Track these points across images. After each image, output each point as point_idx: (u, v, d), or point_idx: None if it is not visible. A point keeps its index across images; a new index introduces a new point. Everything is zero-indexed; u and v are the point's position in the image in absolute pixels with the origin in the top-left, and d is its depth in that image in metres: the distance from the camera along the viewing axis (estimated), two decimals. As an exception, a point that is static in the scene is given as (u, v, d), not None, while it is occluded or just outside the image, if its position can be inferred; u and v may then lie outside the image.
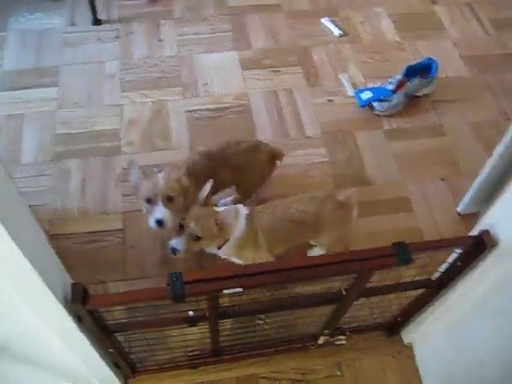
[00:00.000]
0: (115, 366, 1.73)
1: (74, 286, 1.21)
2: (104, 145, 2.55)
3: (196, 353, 1.83)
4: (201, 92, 2.78)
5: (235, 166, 2.03)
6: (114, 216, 2.31)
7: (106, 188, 2.40)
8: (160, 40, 3.00)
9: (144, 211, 1.88)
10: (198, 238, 1.68)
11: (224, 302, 1.50)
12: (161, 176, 1.79)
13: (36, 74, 2.81)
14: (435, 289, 1.60)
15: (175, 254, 1.69)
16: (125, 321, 1.52)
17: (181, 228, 1.69)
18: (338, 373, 1.95)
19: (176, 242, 1.68)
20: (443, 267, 1.54)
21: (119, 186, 2.40)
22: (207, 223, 1.68)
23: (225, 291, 1.25)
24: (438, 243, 1.49)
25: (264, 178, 2.22)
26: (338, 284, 1.46)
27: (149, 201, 1.78)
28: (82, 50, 2.93)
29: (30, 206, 2.25)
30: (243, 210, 1.81)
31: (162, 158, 2.50)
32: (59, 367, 1.63)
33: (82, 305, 1.20)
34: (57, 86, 2.77)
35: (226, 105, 2.73)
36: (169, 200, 1.77)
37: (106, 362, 1.62)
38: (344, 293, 1.49)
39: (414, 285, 1.59)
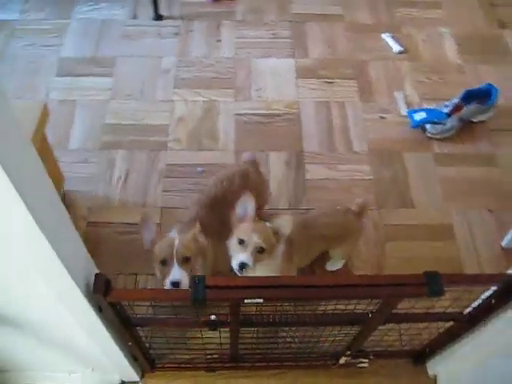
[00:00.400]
0: (134, 359, 1.73)
1: (97, 276, 1.21)
2: (151, 139, 2.57)
3: (215, 356, 1.82)
4: (253, 96, 2.78)
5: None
6: (152, 210, 2.32)
7: (148, 182, 2.42)
8: (218, 40, 3.01)
9: (157, 274, 1.79)
10: (262, 250, 1.65)
11: (250, 310, 1.48)
12: (175, 236, 1.73)
13: (93, 63, 2.86)
14: (465, 324, 1.54)
15: (243, 270, 1.64)
16: (147, 316, 1.51)
17: (240, 243, 1.66)
18: (356, 396, 1.90)
19: (244, 257, 1.63)
20: (477, 302, 1.48)
21: (161, 182, 2.41)
22: (267, 234, 1.67)
23: (246, 300, 1.23)
24: (473, 278, 1.42)
25: (265, 193, 2.18)
26: (363, 306, 1.41)
27: (164, 262, 1.71)
28: (141, 43, 2.97)
29: (72, 192, 2.32)
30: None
31: (207, 158, 2.51)
32: (79, 352, 1.65)
33: (103, 296, 1.20)
34: (112, 76, 2.81)
35: (277, 112, 2.71)
36: (185, 261, 1.70)
37: (125, 354, 1.62)
38: (370, 316, 1.45)
39: (443, 316, 1.53)
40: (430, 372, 1.93)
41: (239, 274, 1.67)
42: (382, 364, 1.93)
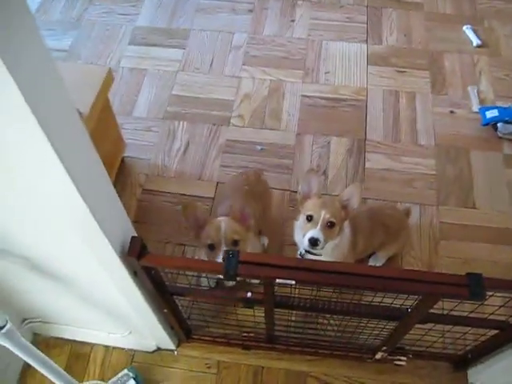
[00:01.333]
0: (170, 327, 1.76)
1: (133, 239, 1.22)
2: (214, 113, 2.59)
3: (251, 335, 1.82)
4: (321, 79, 2.74)
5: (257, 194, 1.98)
6: (207, 184, 2.34)
7: (207, 156, 2.43)
8: (292, 20, 2.98)
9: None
10: (332, 225, 1.63)
11: (286, 292, 1.46)
12: (223, 220, 1.67)
13: (167, 34, 2.90)
14: (510, 334, 1.47)
15: (315, 246, 1.61)
16: (183, 286, 1.52)
17: (308, 220, 1.64)
18: (390, 393, 1.86)
19: (315, 232, 1.61)
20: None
21: (219, 157, 2.42)
22: (336, 208, 1.64)
23: (277, 280, 1.21)
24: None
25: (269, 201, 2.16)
26: (400, 301, 1.37)
27: (211, 247, 1.64)
28: (215, 18, 2.98)
29: (131, 158, 2.36)
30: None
31: (269, 137, 2.50)
32: (118, 315, 1.68)
33: (137, 260, 1.21)
34: (184, 48, 2.84)
35: (343, 97, 2.66)
36: (234, 244, 1.63)
37: (160, 322, 1.65)
38: (408, 311, 1.40)
39: (486, 323, 1.47)
40: (471, 380, 1.85)
41: (310, 251, 1.66)
42: (420, 365, 1.88)
